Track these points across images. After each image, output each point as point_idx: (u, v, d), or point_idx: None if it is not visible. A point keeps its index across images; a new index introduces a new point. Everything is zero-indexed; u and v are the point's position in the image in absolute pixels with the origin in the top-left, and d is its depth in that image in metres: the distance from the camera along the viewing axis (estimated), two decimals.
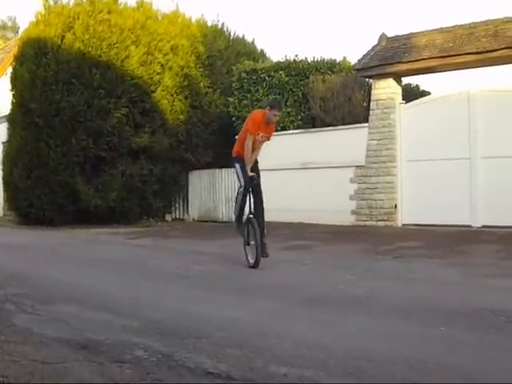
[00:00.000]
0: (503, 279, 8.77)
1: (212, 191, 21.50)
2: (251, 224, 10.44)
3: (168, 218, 22.38)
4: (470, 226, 15.05)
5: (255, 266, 10.01)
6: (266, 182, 18.80)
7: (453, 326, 6.03)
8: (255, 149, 10.66)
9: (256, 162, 10.91)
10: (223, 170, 20.84)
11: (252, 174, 10.47)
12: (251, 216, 10.56)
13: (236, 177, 10.96)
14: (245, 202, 10.72)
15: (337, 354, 5.04)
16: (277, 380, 4.41)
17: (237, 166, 10.59)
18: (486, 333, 5.73)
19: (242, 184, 10.56)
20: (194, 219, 21.92)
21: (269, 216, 18.31)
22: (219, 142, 21.24)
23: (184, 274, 9.87)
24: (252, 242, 10.28)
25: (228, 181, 20.68)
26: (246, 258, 10.40)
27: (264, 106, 11.15)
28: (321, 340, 5.54)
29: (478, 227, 14.91)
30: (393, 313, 6.77)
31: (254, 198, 10.73)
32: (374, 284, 8.74)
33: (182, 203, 22.60)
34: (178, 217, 22.54)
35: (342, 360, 4.89)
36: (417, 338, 5.62)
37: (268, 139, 10.88)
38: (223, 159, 20.01)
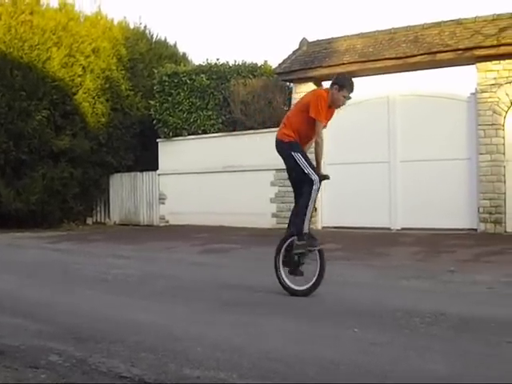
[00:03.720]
0: (419, 281, 8.96)
1: (133, 195, 21.40)
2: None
3: (89, 221, 22.23)
4: (389, 229, 15.33)
5: (312, 290, 7.86)
6: (186, 184, 19.05)
7: (367, 327, 6.12)
8: (311, 138, 8.14)
9: None
10: (144, 173, 20.81)
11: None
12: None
13: (292, 167, 8.19)
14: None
15: (251, 356, 5.07)
16: (189, 382, 4.42)
17: (297, 155, 7.91)
18: (399, 334, 5.84)
19: (315, 178, 7.87)
20: (115, 223, 21.80)
21: (189, 219, 18.53)
22: (141, 144, 21.28)
23: (102, 278, 9.78)
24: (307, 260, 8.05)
25: (149, 184, 20.63)
26: (288, 285, 8.09)
27: (332, 83, 8.10)
28: (236, 342, 5.56)
29: (397, 229, 15.22)
30: (309, 315, 6.84)
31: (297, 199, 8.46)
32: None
33: (103, 207, 22.46)
34: (99, 220, 22.37)
35: (255, 362, 4.92)
36: (331, 340, 5.70)
37: (325, 127, 8.17)
38: (145, 162, 20.02)
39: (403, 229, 15.13)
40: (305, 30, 46.23)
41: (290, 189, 16.23)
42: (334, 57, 16.47)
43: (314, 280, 7.77)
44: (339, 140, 15.97)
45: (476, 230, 14.58)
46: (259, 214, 17.07)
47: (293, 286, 7.95)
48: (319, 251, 7.87)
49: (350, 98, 8.05)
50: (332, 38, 17.27)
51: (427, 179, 15.01)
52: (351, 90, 8.02)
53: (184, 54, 25.18)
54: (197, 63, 21.76)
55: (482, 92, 14.72)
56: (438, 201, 14.82)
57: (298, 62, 17.05)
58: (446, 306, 7.11)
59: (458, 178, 14.87)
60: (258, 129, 17.88)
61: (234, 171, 18.08)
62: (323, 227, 16.32)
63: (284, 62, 17.37)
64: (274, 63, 18.73)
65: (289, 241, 8.12)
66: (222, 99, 19.12)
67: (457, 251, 11.85)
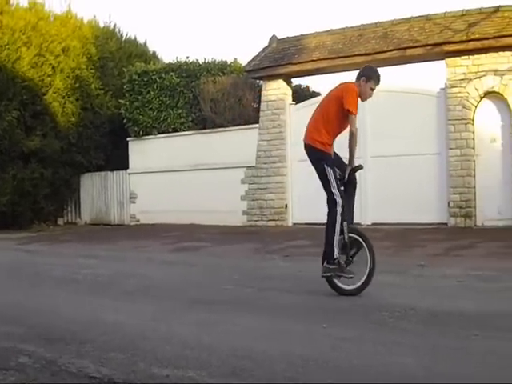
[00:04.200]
0: (389, 275, 8.96)
1: (104, 194, 21.30)
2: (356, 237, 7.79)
3: (60, 221, 22.10)
4: (359, 224, 15.32)
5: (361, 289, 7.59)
6: (157, 183, 18.99)
7: (336, 322, 6.15)
8: (341, 131, 7.95)
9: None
10: (115, 172, 20.74)
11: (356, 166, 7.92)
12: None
13: (320, 178, 7.86)
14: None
15: (220, 354, 5.05)
16: (158, 381, 4.40)
17: (329, 171, 7.65)
18: (368, 328, 5.86)
19: (339, 201, 7.54)
20: (86, 222, 21.69)
21: (160, 218, 18.49)
22: (111, 144, 21.18)
23: (72, 279, 9.72)
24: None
25: (120, 183, 20.58)
26: (337, 285, 7.70)
27: (358, 76, 8.00)
28: (205, 341, 5.53)
29: (367, 225, 15.22)
30: (280, 311, 6.83)
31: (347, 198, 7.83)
32: (261, 283, 8.83)
33: (74, 207, 22.32)
34: (70, 220, 22.24)
35: (225, 359, 4.91)
36: (300, 336, 5.70)
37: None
38: (115, 161, 19.94)
39: (374, 224, 15.18)
40: (274, 27, 46.18)
41: (261, 186, 16.53)
42: (303, 53, 16.49)
43: (363, 279, 7.55)
44: None
45: (446, 224, 14.68)
46: (230, 212, 17.06)
47: (341, 285, 7.67)
48: (370, 250, 7.61)
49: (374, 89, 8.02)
50: (301, 35, 17.28)
51: (397, 174, 15.08)
52: (378, 82, 8.01)
53: (154, 53, 25.06)
54: (167, 61, 21.68)
55: (452, 87, 14.81)
56: (409, 196, 14.89)
57: (267, 59, 17.05)
58: (416, 300, 7.16)
59: (428, 172, 14.96)
60: (227, 126, 17.87)
61: (205, 169, 18.04)
62: (294, 224, 16.35)
63: (254, 59, 17.36)
64: (243, 61, 18.74)
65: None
66: (192, 97, 19.07)
67: (427, 246, 11.93)
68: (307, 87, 20.48)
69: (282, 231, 15.33)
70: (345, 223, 7.55)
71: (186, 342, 5.45)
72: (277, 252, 12.00)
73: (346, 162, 7.77)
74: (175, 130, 19.11)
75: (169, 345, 5.37)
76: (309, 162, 15.65)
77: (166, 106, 19.35)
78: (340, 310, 6.79)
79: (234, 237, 14.72)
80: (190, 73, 19.24)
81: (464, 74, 14.68)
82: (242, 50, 45.85)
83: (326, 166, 7.64)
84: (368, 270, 7.49)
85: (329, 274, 7.55)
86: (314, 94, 19.49)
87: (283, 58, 16.74)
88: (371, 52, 15.40)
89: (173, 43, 43.02)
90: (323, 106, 7.99)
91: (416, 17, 15.82)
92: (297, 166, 16.36)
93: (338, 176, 7.68)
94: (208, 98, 18.39)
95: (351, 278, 7.44)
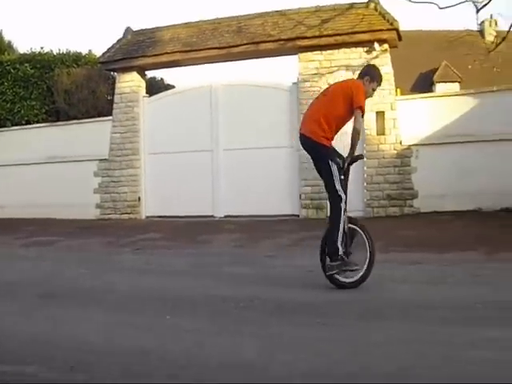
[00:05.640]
0: (239, 267, 9.09)
1: None
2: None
3: None
4: (213, 217, 15.41)
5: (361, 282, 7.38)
6: (10, 176, 18.43)
7: (181, 314, 6.13)
8: (343, 126, 7.74)
9: None
10: None
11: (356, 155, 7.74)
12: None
13: (322, 173, 7.61)
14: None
15: (64, 349, 4.97)
16: None
17: (334, 167, 7.41)
18: (212, 319, 5.86)
19: (343, 197, 7.35)
20: None
21: (14, 212, 17.95)
22: None
23: None
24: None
25: None
26: (340, 281, 7.37)
27: (361, 75, 7.86)
28: (50, 335, 5.44)
29: (220, 217, 15.31)
30: (127, 304, 6.76)
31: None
32: (111, 277, 8.72)
33: None
34: None
35: (68, 354, 4.82)
36: (143, 328, 5.64)
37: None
38: None
39: (227, 216, 15.26)
40: (131, 18, 45.97)
41: (114, 179, 16.31)
42: (158, 46, 16.36)
43: (362, 272, 7.33)
44: (162, 129, 15.98)
45: (298, 215, 14.90)
46: (84, 206, 16.72)
47: (342, 279, 7.36)
48: (369, 241, 7.41)
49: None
50: (156, 28, 17.14)
51: (250, 167, 15.18)
52: (380, 82, 7.91)
53: (9, 43, 24.27)
54: (22, 52, 21.03)
55: (304, 81, 15.03)
56: (262, 188, 15.03)
57: (121, 51, 16.81)
58: (264, 290, 7.23)
59: (281, 165, 15.11)
60: (81, 119, 17.53)
61: (59, 162, 17.56)
62: (147, 217, 16.22)
63: (108, 51, 17.08)
64: (98, 52, 18.44)
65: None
66: (46, 89, 18.59)
67: (278, 237, 12.06)
68: (162, 80, 20.38)
69: (135, 224, 15.18)
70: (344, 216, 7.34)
71: (31, 338, 5.34)
72: (129, 245, 11.90)
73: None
74: (28, 122, 18.57)
75: (14, 341, 5.24)
76: (163, 156, 15.61)
77: (20, 97, 18.76)
78: (184, 301, 6.78)
79: (87, 230, 14.47)
80: (44, 64, 18.74)
81: (317, 68, 14.93)
82: (98, 42, 45.36)
83: (331, 163, 7.41)
84: (368, 260, 7.33)
85: (334, 272, 7.28)
86: (169, 87, 19.43)
87: (137, 51, 16.56)
88: (225, 46, 15.45)
89: (29, 33, 42.08)
90: (328, 100, 7.69)
91: (270, 12, 15.97)
92: (150, 158, 16.26)
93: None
94: (62, 89, 18.01)
95: (356, 269, 7.27)
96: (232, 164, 15.38)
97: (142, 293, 7.37)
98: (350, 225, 7.43)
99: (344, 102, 7.46)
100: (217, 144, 15.49)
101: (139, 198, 16.25)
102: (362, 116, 7.58)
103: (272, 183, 15.03)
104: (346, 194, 7.35)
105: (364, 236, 7.45)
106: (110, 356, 4.79)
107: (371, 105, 14.02)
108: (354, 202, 14.28)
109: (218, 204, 15.46)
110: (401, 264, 8.96)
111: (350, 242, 7.43)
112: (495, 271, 8.05)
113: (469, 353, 4.57)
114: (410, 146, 13.64)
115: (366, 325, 5.58)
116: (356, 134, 7.39)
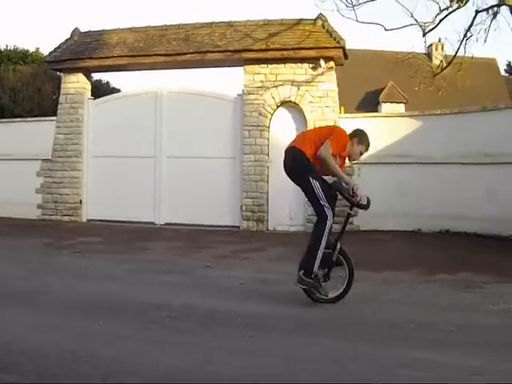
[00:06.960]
0: (174, 275, 9.12)
1: None
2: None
3: None
4: (153, 223, 15.45)
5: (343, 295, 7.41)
6: None
7: (114, 320, 6.21)
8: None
9: None
10: None
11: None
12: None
13: (308, 195, 7.48)
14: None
15: None
16: None
17: (315, 182, 7.26)
18: (145, 327, 5.96)
19: (329, 215, 7.22)
20: None
21: None
22: None
23: None
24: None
25: None
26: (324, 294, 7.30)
27: (352, 135, 7.74)
28: None
29: (161, 224, 15.38)
30: (60, 307, 6.80)
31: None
32: (46, 278, 8.70)
33: None
34: None
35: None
36: (77, 332, 5.71)
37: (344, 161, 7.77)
38: None
39: (167, 224, 15.33)
40: (80, 19, 45.66)
41: (56, 180, 16.23)
42: (104, 49, 16.36)
43: (342, 289, 7.38)
44: (106, 133, 16.02)
45: (239, 227, 15.02)
46: (25, 205, 16.57)
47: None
48: (348, 262, 7.38)
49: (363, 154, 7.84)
50: (104, 30, 17.11)
51: (193, 176, 15.25)
52: (367, 148, 7.78)
53: None
54: None
55: (249, 94, 15.18)
56: (203, 198, 15.12)
57: (68, 51, 16.75)
58: (197, 300, 7.32)
59: (223, 176, 15.24)
60: (25, 117, 17.45)
61: (1, 159, 17.39)
62: (88, 220, 16.18)
63: (55, 50, 17.01)
64: (46, 51, 18.37)
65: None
66: None
67: (217, 247, 12.17)
68: (108, 83, 20.36)
69: (75, 227, 15.13)
70: (338, 244, 7.34)
71: None
72: (68, 248, 11.85)
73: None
74: None
75: None
76: (106, 159, 15.60)
77: None
78: (118, 307, 6.83)
79: (26, 230, 14.38)
80: None
81: (262, 81, 15.09)
82: (46, 40, 44.93)
83: (311, 179, 7.28)
84: (342, 288, 7.35)
85: (304, 287, 7.24)
86: (115, 90, 19.46)
87: (84, 52, 16.52)
88: (172, 53, 15.52)
89: None
90: (314, 134, 7.81)
91: (218, 22, 16.10)
92: (93, 161, 16.25)
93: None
94: (8, 86, 17.92)
95: (324, 299, 7.25)
96: (175, 172, 15.44)
97: (78, 297, 7.38)
98: (340, 256, 7.36)
99: (325, 138, 7.36)
100: (160, 151, 15.54)
101: (81, 201, 16.21)
102: (350, 160, 7.86)
103: (214, 193, 15.16)
104: (332, 210, 7.25)
105: (347, 269, 7.36)
106: (40, 358, 4.85)
107: (314, 121, 14.29)
108: (296, 218, 14.58)
109: (159, 211, 15.51)
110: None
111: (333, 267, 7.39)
112: (428, 291, 8.26)
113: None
114: (352, 164, 13.88)
115: (293, 340, 5.70)
116: (321, 160, 7.25)
